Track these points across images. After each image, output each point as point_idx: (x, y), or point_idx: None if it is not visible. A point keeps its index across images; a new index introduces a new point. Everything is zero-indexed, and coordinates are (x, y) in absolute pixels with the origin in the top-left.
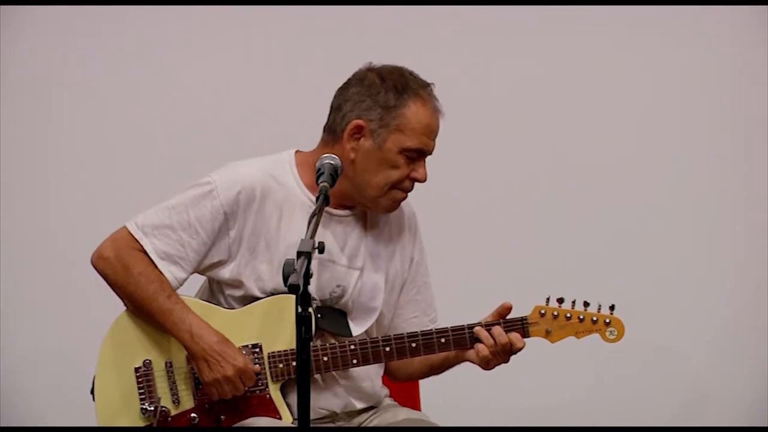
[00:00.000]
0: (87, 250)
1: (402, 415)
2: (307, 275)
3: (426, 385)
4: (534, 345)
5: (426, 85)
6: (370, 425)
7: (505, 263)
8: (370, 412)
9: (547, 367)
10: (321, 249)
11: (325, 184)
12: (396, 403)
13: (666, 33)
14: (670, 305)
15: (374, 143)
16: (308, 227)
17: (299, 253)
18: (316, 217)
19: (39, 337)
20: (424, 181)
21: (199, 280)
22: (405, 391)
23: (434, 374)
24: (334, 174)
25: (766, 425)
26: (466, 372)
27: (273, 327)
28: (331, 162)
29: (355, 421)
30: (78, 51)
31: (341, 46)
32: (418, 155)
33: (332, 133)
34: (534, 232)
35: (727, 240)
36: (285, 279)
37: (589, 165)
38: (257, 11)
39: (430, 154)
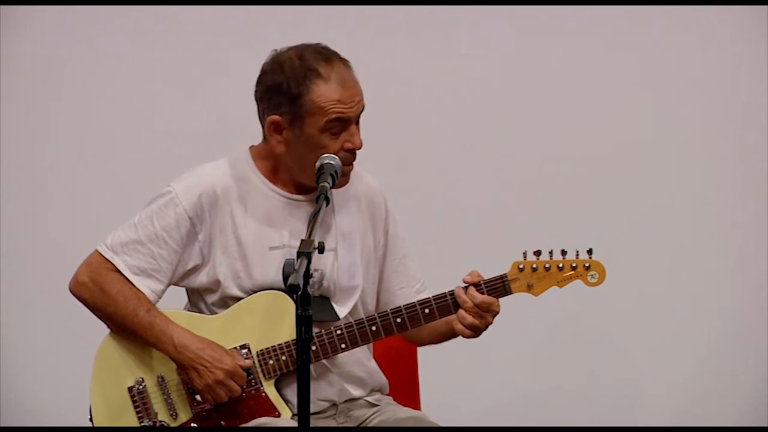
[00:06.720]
0: (87, 249)
1: (402, 414)
2: (307, 275)
3: (426, 386)
4: (534, 345)
5: (324, 57)
6: (371, 424)
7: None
8: (372, 410)
9: (547, 368)
10: (321, 249)
11: (325, 184)
12: (396, 402)
13: (666, 33)
14: (670, 305)
15: (295, 133)
16: (308, 228)
17: (299, 254)
18: (315, 218)
19: (39, 337)
20: (358, 147)
21: (181, 299)
22: (405, 391)
23: (446, 340)
24: (335, 174)
25: (766, 425)
26: (466, 372)
27: (258, 325)
28: (331, 162)
29: (357, 413)
30: (78, 51)
31: (339, 47)
32: (341, 126)
33: (262, 127)
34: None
35: (727, 239)
36: (285, 279)
37: (589, 162)
38: (256, 11)
39: (357, 117)
